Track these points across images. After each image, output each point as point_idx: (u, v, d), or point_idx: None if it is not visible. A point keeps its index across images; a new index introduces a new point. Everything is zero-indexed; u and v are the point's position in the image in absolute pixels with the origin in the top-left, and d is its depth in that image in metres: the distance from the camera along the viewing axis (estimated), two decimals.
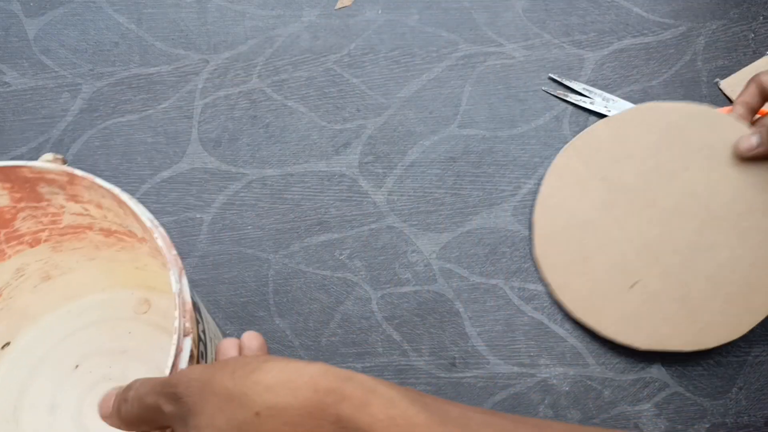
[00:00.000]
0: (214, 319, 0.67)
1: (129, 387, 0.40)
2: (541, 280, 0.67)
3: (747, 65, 0.77)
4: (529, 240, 0.69)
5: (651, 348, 0.64)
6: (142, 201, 0.70)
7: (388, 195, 0.72)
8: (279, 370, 0.35)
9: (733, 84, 0.75)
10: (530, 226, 0.69)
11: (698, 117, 0.67)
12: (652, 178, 0.67)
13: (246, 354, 0.44)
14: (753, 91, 0.65)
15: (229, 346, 0.45)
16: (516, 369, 0.65)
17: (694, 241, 0.65)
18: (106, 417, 0.42)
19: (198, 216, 0.71)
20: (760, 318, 0.64)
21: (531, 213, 0.70)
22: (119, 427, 0.41)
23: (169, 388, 0.37)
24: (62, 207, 0.54)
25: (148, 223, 0.46)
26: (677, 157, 0.67)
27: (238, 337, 0.66)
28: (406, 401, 0.34)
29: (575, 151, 0.70)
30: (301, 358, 0.66)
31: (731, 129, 0.66)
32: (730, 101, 0.75)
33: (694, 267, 0.64)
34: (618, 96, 0.76)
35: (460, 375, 0.65)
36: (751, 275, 0.64)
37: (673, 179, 0.66)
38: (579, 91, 0.77)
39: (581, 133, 0.70)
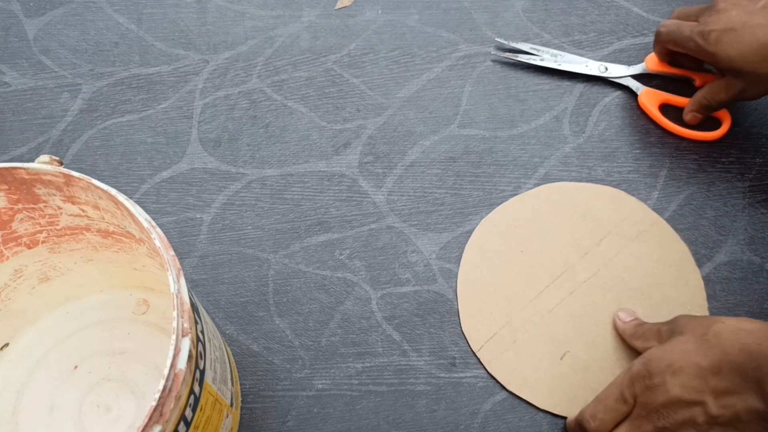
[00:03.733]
0: (213, 319, 0.67)
1: (644, 323, 0.63)
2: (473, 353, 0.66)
3: None
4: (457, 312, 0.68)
5: None
6: (142, 201, 0.71)
7: (388, 195, 0.72)
8: (741, 320, 0.54)
9: None
10: (455, 299, 0.69)
11: (603, 197, 0.72)
12: (569, 253, 0.69)
13: None
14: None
15: None
16: None
17: (614, 311, 0.67)
18: (619, 322, 0.65)
19: (198, 216, 0.71)
20: None
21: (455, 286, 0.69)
22: (624, 333, 0.64)
23: (668, 321, 0.60)
24: (59, 208, 0.54)
25: (146, 224, 0.46)
26: (589, 232, 0.70)
27: (238, 335, 0.66)
28: None
29: (492, 225, 0.71)
30: (301, 358, 0.66)
31: (634, 208, 0.71)
32: None
33: (617, 338, 0.66)
34: (618, 95, 0.76)
35: (460, 375, 0.65)
36: None
37: (588, 252, 0.69)
38: (527, 50, 0.78)
39: (496, 209, 0.71)
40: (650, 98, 0.75)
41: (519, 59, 0.77)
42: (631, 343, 0.63)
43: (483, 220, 0.71)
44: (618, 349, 0.65)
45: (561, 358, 0.65)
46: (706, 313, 0.66)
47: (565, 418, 0.63)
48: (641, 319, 0.64)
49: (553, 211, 0.71)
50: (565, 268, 0.69)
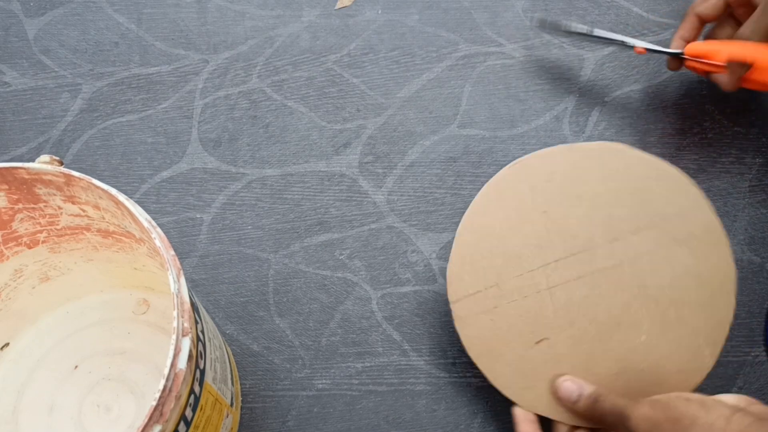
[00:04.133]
0: (213, 319, 0.67)
1: (595, 399, 0.55)
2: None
3: None
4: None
5: (533, 410, 0.58)
6: (142, 201, 0.71)
7: (388, 195, 0.72)
8: (708, 428, 0.46)
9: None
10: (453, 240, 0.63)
11: (666, 180, 0.61)
12: (596, 232, 0.60)
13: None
14: (690, 24, 0.71)
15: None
16: None
17: (616, 315, 0.59)
18: (566, 403, 0.57)
19: (198, 216, 0.71)
20: None
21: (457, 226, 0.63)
22: (576, 414, 0.57)
23: (623, 419, 0.51)
24: (60, 208, 0.54)
25: (146, 224, 0.46)
26: (630, 216, 0.60)
27: (238, 335, 0.66)
28: None
29: (525, 169, 0.61)
30: (301, 358, 0.66)
31: (694, 204, 0.60)
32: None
33: (607, 343, 0.59)
34: (618, 95, 0.76)
35: (460, 375, 0.65)
36: (659, 368, 0.58)
37: (619, 239, 0.60)
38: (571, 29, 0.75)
39: (539, 151, 0.62)
40: (696, 46, 0.69)
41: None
42: (597, 426, 0.57)
43: (518, 160, 0.61)
44: (601, 358, 0.59)
45: (536, 343, 0.59)
46: (717, 353, 0.59)
47: (509, 401, 0.60)
48: (591, 390, 0.56)
49: (600, 175, 0.61)
50: (585, 248, 0.60)
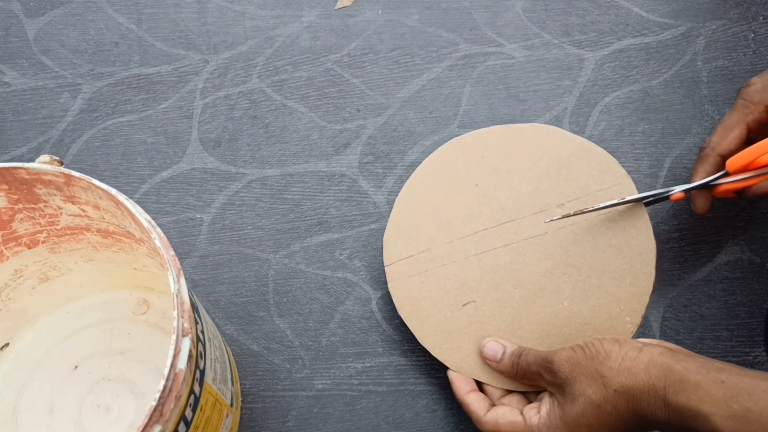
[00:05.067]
0: (213, 319, 0.67)
1: (519, 354, 0.58)
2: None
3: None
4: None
5: (462, 372, 0.61)
6: (142, 201, 0.71)
7: (388, 195, 0.72)
8: (622, 358, 0.51)
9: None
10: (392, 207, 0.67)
11: (594, 159, 0.65)
12: (524, 204, 0.64)
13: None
14: (712, 166, 0.63)
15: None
16: None
17: (540, 281, 0.62)
18: (492, 362, 0.60)
19: (198, 216, 0.71)
20: None
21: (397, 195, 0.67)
22: (502, 373, 0.60)
23: (547, 364, 0.55)
24: (60, 208, 0.54)
25: (146, 224, 0.46)
26: (556, 190, 0.64)
27: (238, 335, 0.66)
28: (708, 384, 0.48)
29: (462, 146, 0.67)
30: (301, 358, 0.66)
31: (618, 183, 0.64)
32: None
33: (531, 307, 0.62)
34: (618, 95, 0.76)
35: None
36: (581, 333, 0.61)
37: (545, 211, 0.64)
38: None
39: (475, 131, 0.67)
40: (740, 158, 0.61)
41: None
42: (516, 381, 0.60)
43: (455, 138, 0.67)
44: (525, 321, 0.62)
45: (463, 305, 0.62)
46: (638, 321, 0.61)
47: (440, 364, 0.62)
48: (515, 348, 0.60)
49: (530, 152, 0.66)
50: (512, 218, 0.64)
